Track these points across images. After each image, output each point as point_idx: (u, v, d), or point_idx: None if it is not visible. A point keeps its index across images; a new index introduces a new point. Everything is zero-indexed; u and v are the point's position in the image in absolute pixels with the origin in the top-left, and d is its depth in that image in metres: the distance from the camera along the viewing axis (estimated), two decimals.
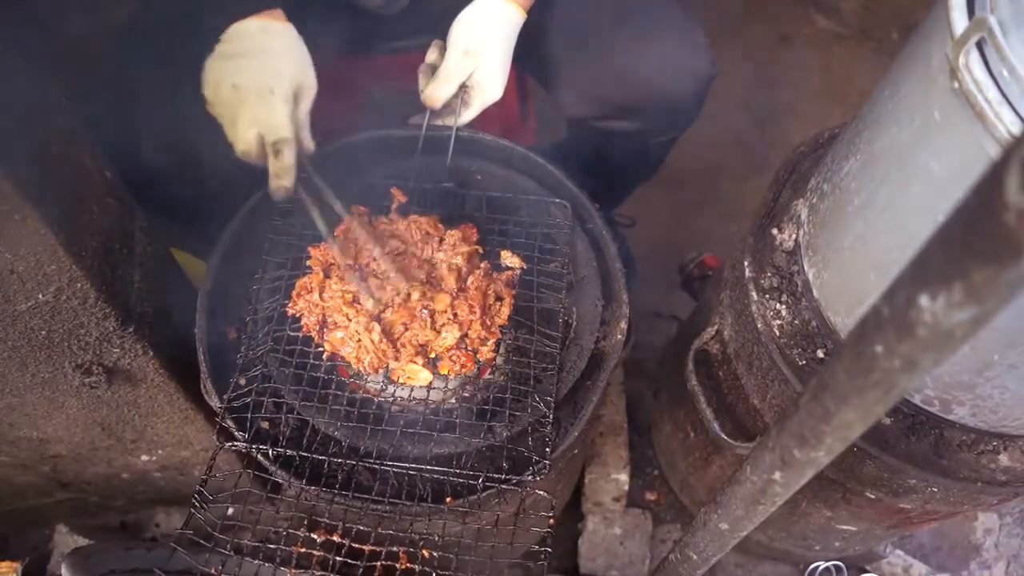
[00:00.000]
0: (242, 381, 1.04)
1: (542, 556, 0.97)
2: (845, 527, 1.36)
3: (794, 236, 1.12)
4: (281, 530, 0.99)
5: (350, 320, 1.04)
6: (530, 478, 0.99)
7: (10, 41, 0.86)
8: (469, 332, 1.05)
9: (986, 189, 0.31)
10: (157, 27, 1.23)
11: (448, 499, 1.01)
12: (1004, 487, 1.02)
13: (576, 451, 1.22)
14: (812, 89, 2.59)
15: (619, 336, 1.11)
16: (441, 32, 1.22)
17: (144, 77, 1.20)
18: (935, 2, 0.78)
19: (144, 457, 1.41)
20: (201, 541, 0.95)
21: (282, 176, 1.06)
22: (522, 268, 1.15)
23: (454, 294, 1.07)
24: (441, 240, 1.14)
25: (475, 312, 1.06)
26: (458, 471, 0.99)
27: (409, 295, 1.06)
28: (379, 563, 0.96)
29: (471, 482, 1.00)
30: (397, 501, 1.00)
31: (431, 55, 1.23)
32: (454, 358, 1.04)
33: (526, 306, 1.11)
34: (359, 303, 1.06)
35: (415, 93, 1.22)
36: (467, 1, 1.20)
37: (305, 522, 1.03)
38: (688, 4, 1.35)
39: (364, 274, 1.08)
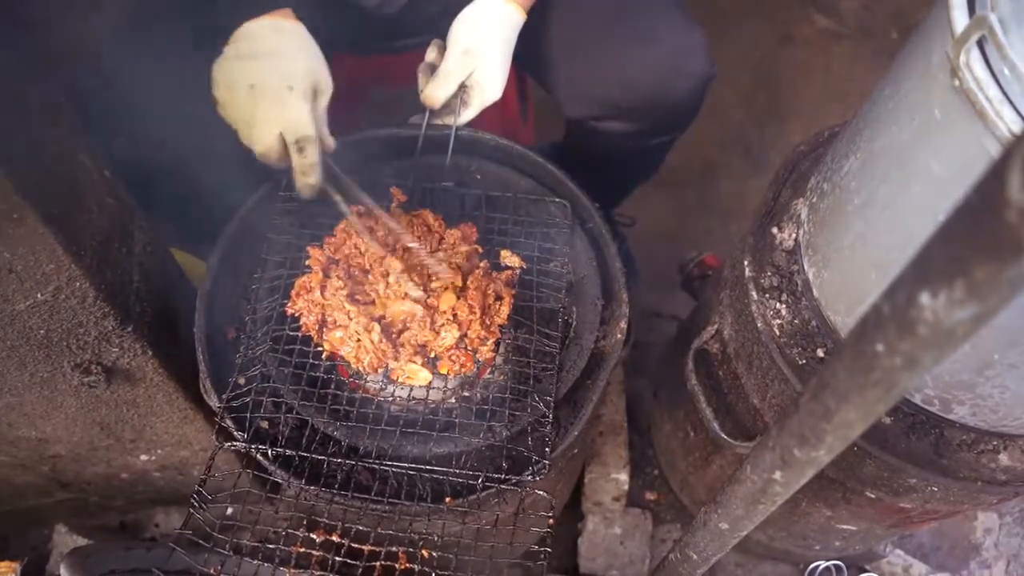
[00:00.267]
0: (241, 381, 1.04)
1: (542, 556, 0.97)
2: (845, 526, 1.36)
3: (794, 235, 1.12)
4: (280, 530, 0.99)
5: (350, 319, 1.04)
6: (529, 478, 0.99)
7: (9, 39, 0.85)
8: (468, 332, 1.05)
9: (987, 187, 0.30)
10: (157, 25, 1.23)
11: (447, 499, 1.01)
12: (1004, 486, 1.02)
13: (576, 451, 1.22)
14: (812, 89, 2.58)
15: (619, 335, 1.10)
16: (441, 32, 1.22)
17: (143, 75, 1.19)
18: (935, 1, 0.78)
19: (143, 457, 1.41)
20: (200, 541, 0.95)
21: (308, 173, 1.05)
22: (522, 267, 1.15)
23: (458, 293, 1.07)
24: (441, 239, 1.14)
25: (475, 312, 1.06)
26: (457, 471, 0.99)
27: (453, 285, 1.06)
28: (378, 563, 0.96)
29: (470, 482, 1.00)
30: (396, 501, 1.00)
31: (430, 54, 1.23)
32: (453, 358, 1.04)
33: (526, 306, 1.11)
34: (359, 301, 1.06)
35: (415, 93, 1.22)
36: (467, 1, 1.20)
37: (304, 522, 1.03)
38: (688, 4, 1.35)
39: (418, 254, 1.09)
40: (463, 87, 1.20)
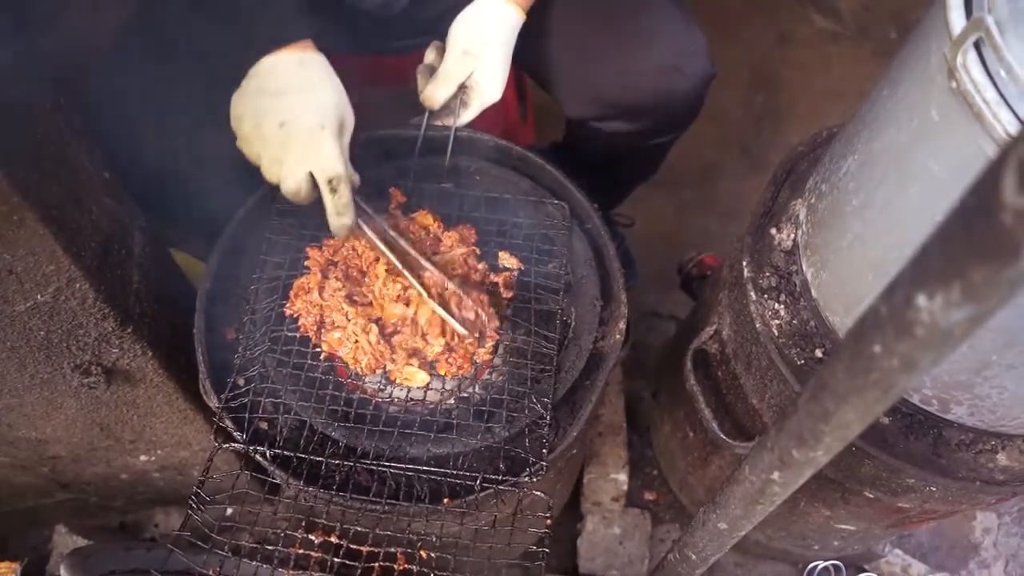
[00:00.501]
0: (240, 381, 1.04)
1: (540, 556, 0.97)
2: (844, 526, 1.36)
3: (792, 236, 1.12)
4: (279, 531, 0.99)
5: (348, 320, 1.04)
6: (527, 479, 0.99)
7: (9, 41, 0.85)
8: (456, 343, 1.05)
9: (984, 189, 0.31)
10: (158, 26, 1.23)
11: (446, 500, 1.01)
12: (1002, 486, 1.02)
13: (575, 451, 1.22)
14: (811, 89, 2.59)
15: (618, 336, 1.10)
16: (441, 32, 1.22)
17: (144, 77, 1.19)
18: (933, 2, 0.78)
19: (143, 457, 1.41)
20: (199, 542, 0.95)
21: (343, 213, 1.02)
22: (520, 269, 1.15)
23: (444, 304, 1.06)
24: (440, 240, 1.14)
25: (466, 324, 1.05)
26: (455, 472, 0.99)
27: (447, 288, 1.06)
28: (377, 564, 0.96)
29: (469, 483, 1.00)
30: (395, 502, 1.00)
31: (429, 55, 1.23)
32: (451, 360, 1.04)
33: (524, 307, 1.11)
34: (356, 302, 1.06)
35: (414, 93, 1.22)
36: (467, 1, 1.20)
37: (303, 523, 1.03)
38: (687, 4, 1.35)
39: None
40: (462, 88, 1.20)
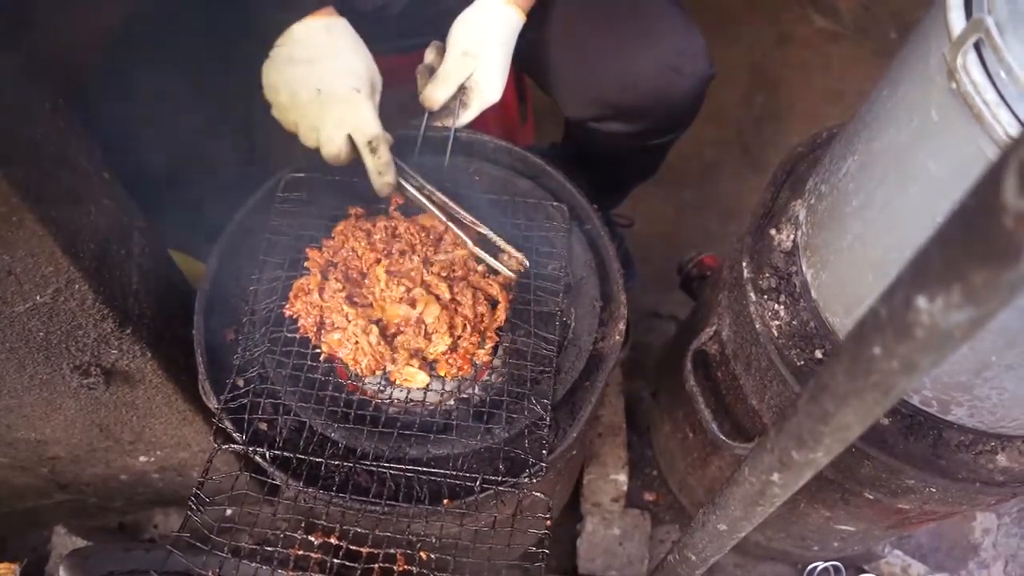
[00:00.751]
0: (239, 382, 1.04)
1: (540, 557, 0.97)
2: (843, 527, 1.36)
3: (792, 237, 1.12)
4: (279, 532, 0.99)
5: (348, 321, 1.04)
6: (527, 480, 0.99)
7: (8, 40, 0.85)
8: (460, 341, 1.05)
9: (984, 191, 0.30)
10: (157, 25, 1.23)
11: (445, 500, 1.01)
12: (1002, 487, 1.02)
13: (574, 452, 1.22)
14: (810, 89, 2.59)
15: (617, 337, 1.10)
16: (440, 33, 1.22)
17: (143, 76, 1.19)
18: (933, 2, 0.78)
19: (142, 458, 1.41)
20: (198, 543, 0.95)
21: (385, 172, 1.07)
22: (519, 270, 1.15)
23: (446, 304, 1.06)
24: (439, 240, 1.14)
25: (468, 322, 1.05)
26: (455, 473, 0.99)
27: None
28: (377, 565, 0.96)
29: (468, 484, 1.00)
30: (394, 502, 1.00)
31: (429, 56, 1.23)
32: (451, 361, 1.04)
33: (523, 308, 1.11)
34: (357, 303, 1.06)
35: (414, 94, 1.22)
36: (467, 2, 1.20)
37: (303, 524, 1.03)
38: (687, 4, 1.35)
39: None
40: (462, 88, 1.20)
